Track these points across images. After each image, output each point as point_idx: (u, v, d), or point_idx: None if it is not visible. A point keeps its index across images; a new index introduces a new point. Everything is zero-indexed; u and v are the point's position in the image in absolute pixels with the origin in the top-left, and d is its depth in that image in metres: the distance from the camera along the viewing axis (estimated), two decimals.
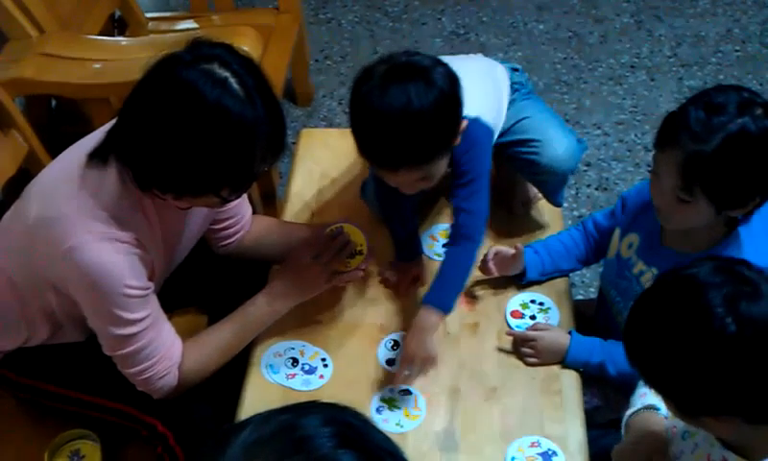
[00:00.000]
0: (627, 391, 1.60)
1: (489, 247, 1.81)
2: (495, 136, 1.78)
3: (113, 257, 1.43)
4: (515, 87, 1.85)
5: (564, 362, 1.67)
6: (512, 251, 1.78)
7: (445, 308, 1.67)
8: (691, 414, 1.20)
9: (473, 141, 1.66)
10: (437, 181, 1.62)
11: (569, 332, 1.68)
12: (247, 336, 1.68)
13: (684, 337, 1.13)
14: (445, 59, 1.61)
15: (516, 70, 1.89)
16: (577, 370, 1.67)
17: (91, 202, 1.44)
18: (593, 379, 1.70)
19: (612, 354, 1.63)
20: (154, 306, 1.53)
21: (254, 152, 1.39)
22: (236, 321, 1.66)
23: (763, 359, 1.10)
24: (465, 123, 1.59)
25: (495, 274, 1.79)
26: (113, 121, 1.51)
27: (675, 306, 1.15)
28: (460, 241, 1.69)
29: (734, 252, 1.48)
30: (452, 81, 1.54)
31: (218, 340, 1.65)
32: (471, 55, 1.89)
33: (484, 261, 1.79)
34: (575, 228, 1.86)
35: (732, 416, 1.15)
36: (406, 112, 1.48)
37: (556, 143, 1.78)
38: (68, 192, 1.46)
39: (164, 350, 1.55)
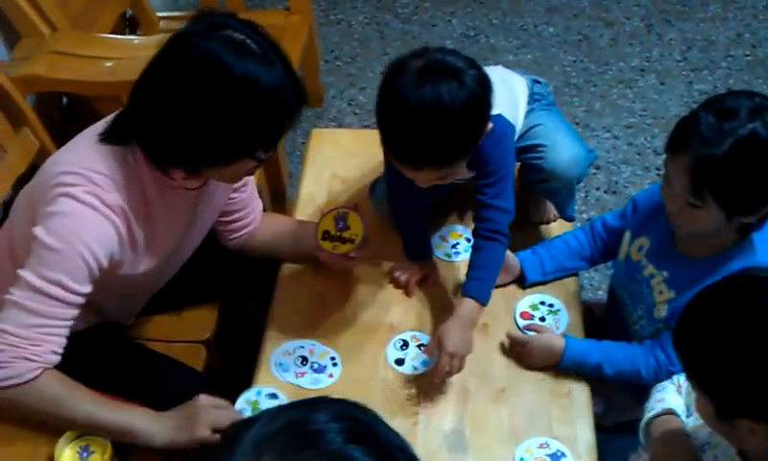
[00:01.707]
0: (636, 394, 1.60)
1: None
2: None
3: (92, 215, 1.42)
4: (535, 98, 1.85)
5: (560, 365, 1.66)
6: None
7: (485, 301, 1.68)
8: (729, 415, 1.17)
9: (500, 139, 1.66)
10: (453, 179, 1.63)
11: (564, 335, 1.68)
12: (98, 423, 1.54)
13: (746, 335, 1.12)
14: None
15: (538, 82, 1.90)
16: (573, 371, 1.66)
17: (91, 162, 1.44)
18: (596, 384, 1.70)
19: (608, 355, 1.63)
20: (88, 291, 1.46)
21: (284, 107, 1.42)
22: (107, 406, 1.54)
23: None
24: (490, 126, 1.59)
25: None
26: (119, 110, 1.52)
27: (741, 304, 1.14)
28: (493, 236, 1.69)
29: (749, 257, 1.48)
30: (484, 84, 1.54)
31: (81, 398, 1.52)
32: (492, 66, 1.89)
33: None
34: (581, 228, 1.86)
35: None
36: (436, 113, 1.48)
37: (561, 148, 1.77)
38: (72, 151, 1.47)
39: (53, 339, 1.46)
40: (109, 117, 1.54)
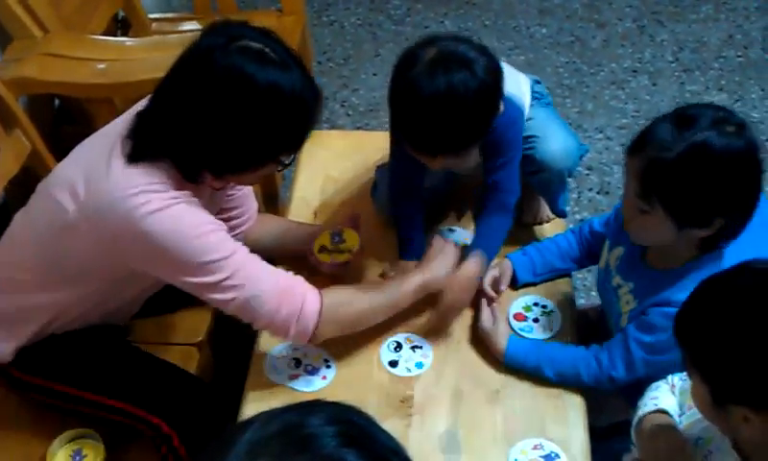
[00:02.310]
0: (629, 396, 1.60)
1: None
2: None
3: (182, 207, 1.45)
4: (535, 96, 1.86)
5: (504, 364, 1.67)
6: (497, 273, 1.79)
7: (491, 257, 1.77)
8: (724, 402, 1.18)
9: (511, 122, 1.71)
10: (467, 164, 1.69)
11: (510, 335, 1.69)
12: (389, 311, 1.68)
13: (750, 324, 1.12)
14: None
15: (538, 82, 1.92)
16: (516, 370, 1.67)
17: (144, 180, 1.44)
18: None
19: (550, 357, 1.64)
20: (238, 246, 1.52)
21: (308, 111, 1.46)
22: (386, 291, 1.68)
23: None
24: (501, 108, 1.62)
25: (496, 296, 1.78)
26: (125, 115, 1.53)
27: (748, 291, 1.15)
28: (501, 211, 1.79)
29: (712, 268, 1.43)
30: (495, 71, 1.58)
31: (368, 298, 1.66)
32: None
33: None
34: (570, 231, 1.86)
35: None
36: (450, 104, 1.51)
37: (552, 140, 1.79)
38: (117, 179, 1.45)
39: (275, 277, 1.55)
40: (108, 128, 1.54)
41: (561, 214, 1.97)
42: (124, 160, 1.46)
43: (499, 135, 1.69)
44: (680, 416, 1.41)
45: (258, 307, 1.52)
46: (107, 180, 1.45)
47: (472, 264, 1.73)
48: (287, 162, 1.54)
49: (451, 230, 1.95)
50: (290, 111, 1.43)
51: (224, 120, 1.40)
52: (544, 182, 1.86)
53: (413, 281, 1.67)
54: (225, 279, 1.48)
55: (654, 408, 1.41)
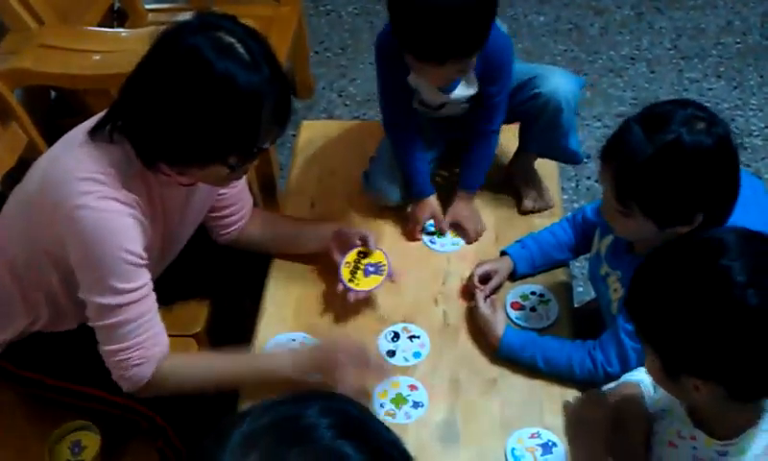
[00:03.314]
0: None
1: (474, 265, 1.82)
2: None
3: (115, 217, 1.42)
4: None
5: (497, 354, 1.67)
6: (492, 266, 1.79)
7: (474, 188, 1.94)
8: (676, 373, 1.18)
9: (504, 46, 1.78)
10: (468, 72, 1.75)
11: (506, 326, 1.68)
12: (243, 378, 1.62)
13: (697, 296, 1.12)
14: None
15: None
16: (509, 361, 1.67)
17: (94, 166, 1.43)
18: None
19: (544, 350, 1.63)
20: (146, 281, 1.50)
21: (260, 116, 1.39)
22: (243, 360, 1.63)
23: None
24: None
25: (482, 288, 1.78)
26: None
27: (695, 265, 1.14)
28: (489, 131, 1.89)
29: None
30: None
31: (210, 363, 1.61)
32: None
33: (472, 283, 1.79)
34: (565, 219, 1.86)
35: (719, 384, 1.14)
36: (457, 7, 1.53)
37: (551, 74, 1.86)
38: (70, 160, 1.45)
39: (147, 336, 1.50)
40: (91, 119, 1.53)
41: (574, 157, 1.98)
42: (88, 139, 1.46)
43: (498, 57, 1.75)
44: (654, 393, 1.41)
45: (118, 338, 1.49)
46: (65, 156, 1.46)
47: (466, 199, 1.92)
48: (237, 169, 1.47)
49: (432, 243, 1.93)
50: (240, 109, 1.36)
51: (173, 100, 1.36)
52: (555, 116, 1.86)
53: (279, 358, 1.61)
54: (102, 321, 1.47)
55: (628, 379, 1.43)
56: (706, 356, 1.13)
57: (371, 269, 1.75)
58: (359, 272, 1.74)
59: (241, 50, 1.36)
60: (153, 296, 1.51)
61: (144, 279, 1.49)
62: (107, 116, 1.48)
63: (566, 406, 1.42)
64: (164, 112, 1.38)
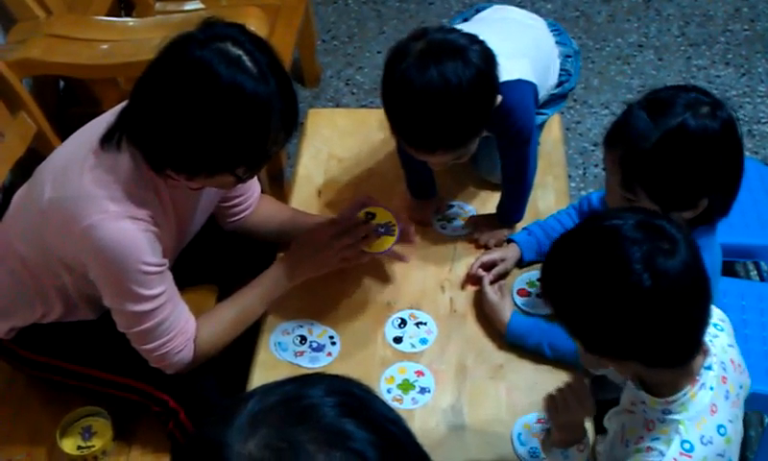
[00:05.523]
0: None
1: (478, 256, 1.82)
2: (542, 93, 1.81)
3: (130, 235, 1.45)
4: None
5: (505, 339, 1.68)
6: (499, 254, 1.80)
7: (517, 221, 1.88)
8: (594, 353, 1.22)
9: (514, 105, 1.66)
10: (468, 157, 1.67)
11: (513, 312, 1.69)
12: (259, 308, 1.69)
13: (598, 285, 1.15)
14: (483, 15, 1.77)
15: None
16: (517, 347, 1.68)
17: (106, 180, 1.45)
18: None
19: (550, 337, 1.64)
20: (169, 282, 1.54)
21: (269, 129, 1.40)
22: (250, 293, 1.68)
23: (671, 310, 1.13)
24: (500, 98, 1.59)
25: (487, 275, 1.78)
26: (122, 104, 1.52)
27: (594, 255, 1.16)
28: (516, 186, 1.84)
29: (704, 239, 1.42)
30: (488, 59, 1.53)
31: (232, 312, 1.67)
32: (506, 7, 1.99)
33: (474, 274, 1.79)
34: (572, 207, 1.86)
35: (632, 360, 1.19)
36: (444, 96, 1.47)
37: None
38: (82, 172, 1.46)
39: (180, 324, 1.56)
40: (104, 116, 1.54)
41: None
42: (97, 148, 1.47)
43: (502, 117, 1.65)
44: None
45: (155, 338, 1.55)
46: (76, 170, 1.47)
47: (490, 220, 1.88)
48: (243, 178, 1.48)
49: (450, 206, 1.95)
50: (249, 122, 1.38)
51: (181, 111, 1.37)
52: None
53: (273, 273, 1.69)
54: (133, 328, 1.53)
55: None
56: (615, 339, 1.17)
57: (381, 230, 1.73)
58: (370, 234, 1.73)
59: (249, 63, 1.36)
60: (175, 289, 1.56)
61: (166, 283, 1.53)
62: (115, 125, 1.49)
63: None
64: (173, 126, 1.39)
